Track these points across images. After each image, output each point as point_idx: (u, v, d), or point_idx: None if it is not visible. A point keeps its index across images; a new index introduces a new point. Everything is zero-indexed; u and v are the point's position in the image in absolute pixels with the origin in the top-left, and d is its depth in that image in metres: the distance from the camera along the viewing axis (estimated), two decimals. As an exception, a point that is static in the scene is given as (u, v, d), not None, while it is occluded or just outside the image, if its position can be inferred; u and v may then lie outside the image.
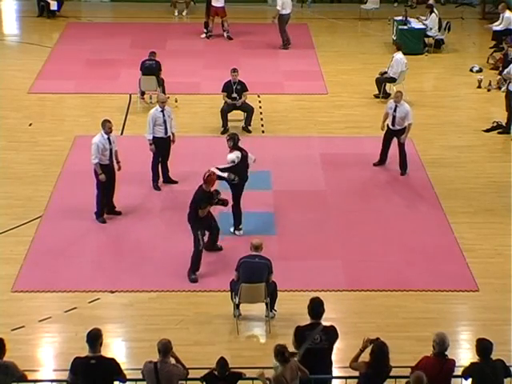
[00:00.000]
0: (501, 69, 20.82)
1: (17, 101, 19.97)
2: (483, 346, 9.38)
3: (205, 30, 24.55)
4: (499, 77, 20.74)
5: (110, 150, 14.40)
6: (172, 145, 15.85)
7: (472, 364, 9.57)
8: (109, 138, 14.36)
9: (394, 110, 16.31)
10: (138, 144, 17.24)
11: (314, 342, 9.71)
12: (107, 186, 14.48)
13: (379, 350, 9.26)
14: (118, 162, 14.63)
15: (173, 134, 15.81)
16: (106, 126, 14.36)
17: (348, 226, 14.71)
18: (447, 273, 13.40)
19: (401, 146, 16.49)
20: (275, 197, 15.71)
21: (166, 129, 15.61)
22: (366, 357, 9.48)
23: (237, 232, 14.35)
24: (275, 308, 12.12)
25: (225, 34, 24.58)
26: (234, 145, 14.47)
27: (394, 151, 16.78)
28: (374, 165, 16.80)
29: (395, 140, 16.50)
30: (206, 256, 13.66)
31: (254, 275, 11.69)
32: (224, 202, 13.48)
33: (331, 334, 9.83)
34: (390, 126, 16.47)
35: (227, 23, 24.49)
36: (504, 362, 9.51)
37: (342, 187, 16.07)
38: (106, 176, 14.35)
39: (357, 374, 9.69)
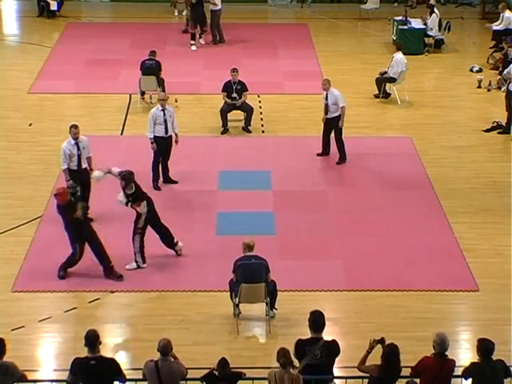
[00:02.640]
0: (501, 69, 20.82)
1: (17, 101, 19.98)
2: (485, 346, 9.38)
3: (192, 42, 23.62)
4: (499, 77, 20.75)
5: (79, 155, 14.30)
6: (175, 145, 15.83)
7: (472, 364, 9.57)
8: (77, 144, 14.31)
9: (326, 98, 16.63)
10: (138, 144, 17.26)
11: (315, 357, 9.46)
12: (81, 192, 14.25)
13: (391, 352, 9.24)
14: (90, 170, 14.45)
15: (176, 134, 15.79)
16: (72, 131, 14.30)
17: (348, 226, 14.71)
18: (447, 273, 13.40)
19: (337, 134, 16.74)
20: (275, 197, 15.71)
21: (166, 128, 15.61)
22: (371, 357, 9.50)
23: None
24: (275, 307, 12.12)
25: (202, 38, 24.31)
26: (127, 185, 13.19)
27: (395, 150, 16.80)
28: (318, 155, 17.07)
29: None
30: (205, 256, 13.69)
31: (253, 276, 11.68)
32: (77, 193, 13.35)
33: (332, 349, 9.58)
34: (325, 116, 16.80)
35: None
36: (504, 362, 9.51)
37: (342, 187, 16.07)
38: (76, 182, 14.24)
39: (358, 374, 9.70)
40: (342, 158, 16.84)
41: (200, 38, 24.01)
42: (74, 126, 14.37)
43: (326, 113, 16.73)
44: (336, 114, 16.63)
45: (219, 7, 23.79)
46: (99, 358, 9.35)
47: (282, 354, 9.21)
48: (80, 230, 12.87)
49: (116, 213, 14.57)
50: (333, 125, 16.73)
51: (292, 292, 12.66)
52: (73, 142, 14.31)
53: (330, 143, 17.02)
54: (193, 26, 23.70)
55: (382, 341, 9.44)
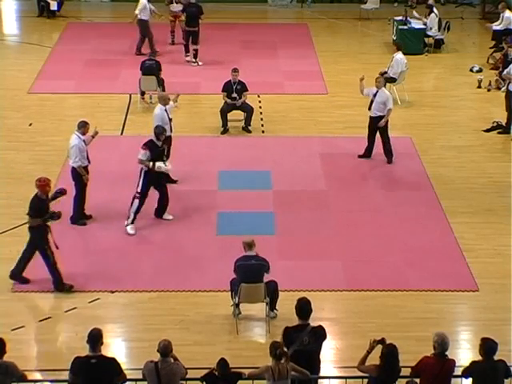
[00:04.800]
0: (500, 69, 20.82)
1: (17, 101, 19.98)
2: (489, 346, 9.37)
3: (186, 53, 22.69)
4: (496, 78, 20.78)
5: (86, 151, 14.42)
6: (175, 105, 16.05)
7: (473, 363, 9.57)
8: (84, 140, 14.38)
9: (374, 95, 16.45)
10: (138, 144, 17.20)
11: (303, 343, 9.65)
12: (84, 188, 14.48)
13: (390, 353, 9.24)
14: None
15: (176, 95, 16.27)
16: (86, 127, 14.37)
17: (348, 226, 14.71)
18: (447, 273, 13.40)
19: (382, 135, 16.68)
20: (275, 197, 15.71)
21: (170, 127, 15.68)
22: (372, 357, 9.49)
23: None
24: (276, 308, 12.12)
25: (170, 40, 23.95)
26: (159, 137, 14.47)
27: (395, 150, 16.82)
28: (359, 156, 16.98)
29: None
30: (205, 256, 13.69)
31: (253, 276, 11.68)
32: (54, 215, 12.63)
33: (319, 335, 9.79)
34: (369, 112, 16.68)
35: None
36: (506, 362, 9.50)
37: (342, 187, 16.07)
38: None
39: (358, 374, 9.70)
40: (390, 156, 16.84)
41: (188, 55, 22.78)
42: (87, 123, 14.41)
43: (369, 108, 16.66)
44: (380, 114, 16.54)
45: (147, 17, 22.63)
46: (100, 357, 9.35)
47: (275, 347, 9.33)
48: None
49: (113, 211, 14.63)
50: (375, 124, 16.66)
51: (292, 292, 12.63)
52: (82, 137, 14.33)
53: (373, 146, 16.90)
54: (185, 38, 22.74)
55: (382, 341, 9.44)
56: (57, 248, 12.57)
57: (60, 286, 12.78)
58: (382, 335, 9.62)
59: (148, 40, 22.80)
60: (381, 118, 16.59)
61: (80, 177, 14.31)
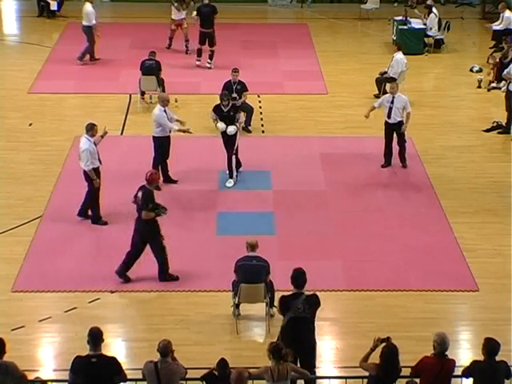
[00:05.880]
0: (494, 71, 20.92)
1: (17, 101, 19.99)
2: (491, 346, 9.37)
3: (198, 58, 22.36)
4: (491, 75, 20.84)
5: (97, 152, 14.42)
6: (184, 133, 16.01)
7: (474, 362, 9.58)
8: (94, 142, 14.38)
9: (392, 102, 16.36)
10: (138, 144, 17.29)
11: (298, 310, 10.16)
12: (98, 189, 14.50)
13: (389, 352, 9.24)
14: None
15: (180, 121, 16.06)
16: (95, 129, 14.38)
17: (348, 226, 14.71)
18: (447, 273, 13.41)
19: (401, 139, 16.52)
20: (275, 197, 15.71)
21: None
22: (372, 357, 9.49)
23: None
24: (275, 304, 12.11)
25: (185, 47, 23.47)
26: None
27: (395, 150, 16.81)
28: (382, 166, 16.77)
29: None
30: (205, 256, 13.69)
31: (253, 277, 11.69)
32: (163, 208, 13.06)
33: (313, 302, 10.29)
34: (387, 120, 16.52)
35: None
36: (507, 363, 9.50)
37: (342, 187, 16.07)
38: (98, 177, 14.40)
39: (358, 374, 9.71)
40: (405, 161, 16.70)
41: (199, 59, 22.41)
42: (94, 125, 14.43)
43: (389, 117, 16.49)
44: (399, 119, 16.38)
45: (95, 22, 22.20)
46: (100, 357, 9.35)
47: (280, 348, 9.37)
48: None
49: (113, 211, 14.66)
50: (395, 129, 16.48)
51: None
52: (92, 140, 14.33)
53: (392, 153, 16.76)
54: (200, 42, 22.22)
55: (387, 340, 9.41)
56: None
57: (166, 276, 12.97)
58: (382, 335, 9.60)
59: (87, 47, 22.33)
60: (400, 123, 16.41)
61: (91, 180, 14.33)
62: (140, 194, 12.79)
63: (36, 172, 16.51)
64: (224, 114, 15.72)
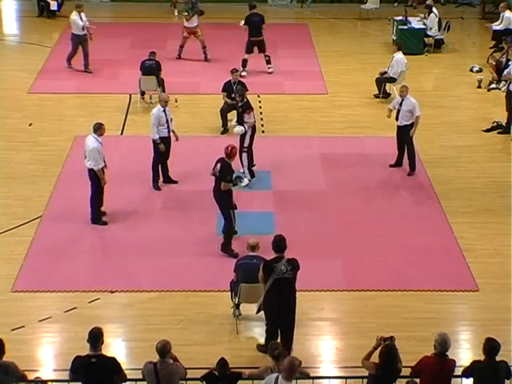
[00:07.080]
0: (494, 73, 20.94)
1: (17, 101, 19.98)
2: (490, 346, 9.37)
3: (244, 68, 21.49)
4: (491, 70, 20.88)
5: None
6: (176, 142, 15.85)
7: (474, 362, 9.58)
8: (101, 142, 14.39)
9: (400, 104, 16.32)
10: (138, 144, 17.28)
11: (281, 272, 10.90)
12: (101, 188, 14.51)
13: (387, 352, 9.24)
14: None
15: (173, 131, 15.82)
16: (103, 129, 14.42)
17: (348, 226, 14.70)
18: (447, 273, 13.40)
19: (408, 144, 16.44)
20: (275, 197, 15.71)
21: (168, 128, 15.66)
22: (373, 357, 9.50)
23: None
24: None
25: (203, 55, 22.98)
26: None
27: (395, 150, 16.80)
28: (391, 166, 16.72)
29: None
30: (206, 256, 13.69)
31: (254, 276, 11.66)
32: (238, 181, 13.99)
33: (294, 264, 11.01)
34: (396, 122, 16.47)
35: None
36: (507, 363, 9.50)
37: (342, 187, 16.06)
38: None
39: (358, 374, 9.72)
40: (413, 169, 16.51)
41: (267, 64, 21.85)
42: (102, 124, 14.48)
43: (397, 119, 16.37)
44: (407, 123, 16.22)
45: (84, 32, 21.59)
46: (100, 357, 9.36)
47: (273, 348, 9.44)
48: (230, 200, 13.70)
49: (113, 211, 14.66)
50: (403, 133, 16.36)
51: (292, 292, 12.65)
52: (100, 139, 14.33)
53: (403, 155, 16.62)
54: (247, 51, 21.72)
55: (390, 339, 9.40)
56: (235, 208, 13.74)
57: (226, 249, 13.58)
58: (382, 335, 9.59)
59: (69, 53, 21.79)
60: (407, 126, 16.28)
61: (97, 178, 14.31)
62: (219, 166, 13.52)
63: (36, 172, 16.50)
64: (237, 109, 16.14)
